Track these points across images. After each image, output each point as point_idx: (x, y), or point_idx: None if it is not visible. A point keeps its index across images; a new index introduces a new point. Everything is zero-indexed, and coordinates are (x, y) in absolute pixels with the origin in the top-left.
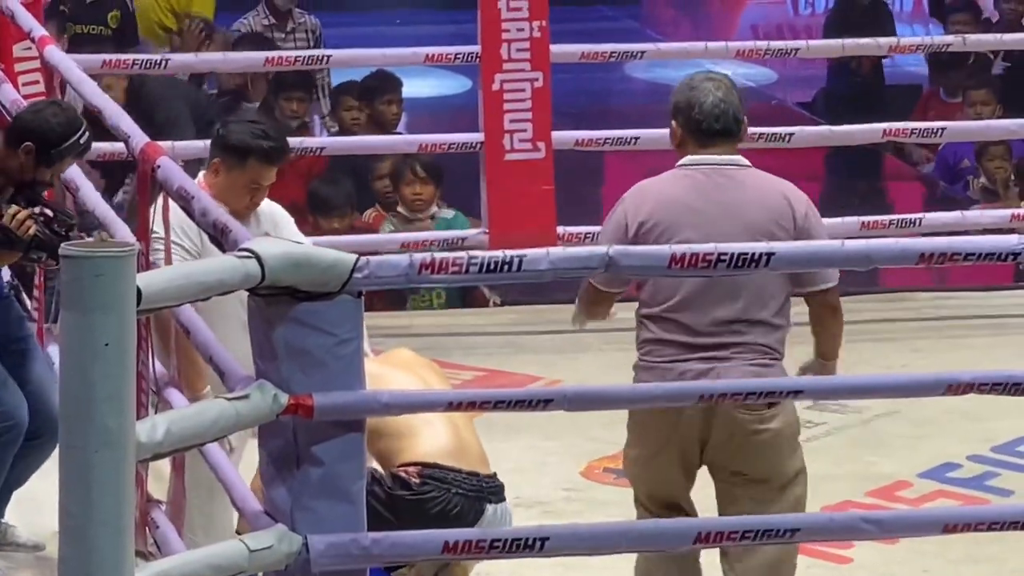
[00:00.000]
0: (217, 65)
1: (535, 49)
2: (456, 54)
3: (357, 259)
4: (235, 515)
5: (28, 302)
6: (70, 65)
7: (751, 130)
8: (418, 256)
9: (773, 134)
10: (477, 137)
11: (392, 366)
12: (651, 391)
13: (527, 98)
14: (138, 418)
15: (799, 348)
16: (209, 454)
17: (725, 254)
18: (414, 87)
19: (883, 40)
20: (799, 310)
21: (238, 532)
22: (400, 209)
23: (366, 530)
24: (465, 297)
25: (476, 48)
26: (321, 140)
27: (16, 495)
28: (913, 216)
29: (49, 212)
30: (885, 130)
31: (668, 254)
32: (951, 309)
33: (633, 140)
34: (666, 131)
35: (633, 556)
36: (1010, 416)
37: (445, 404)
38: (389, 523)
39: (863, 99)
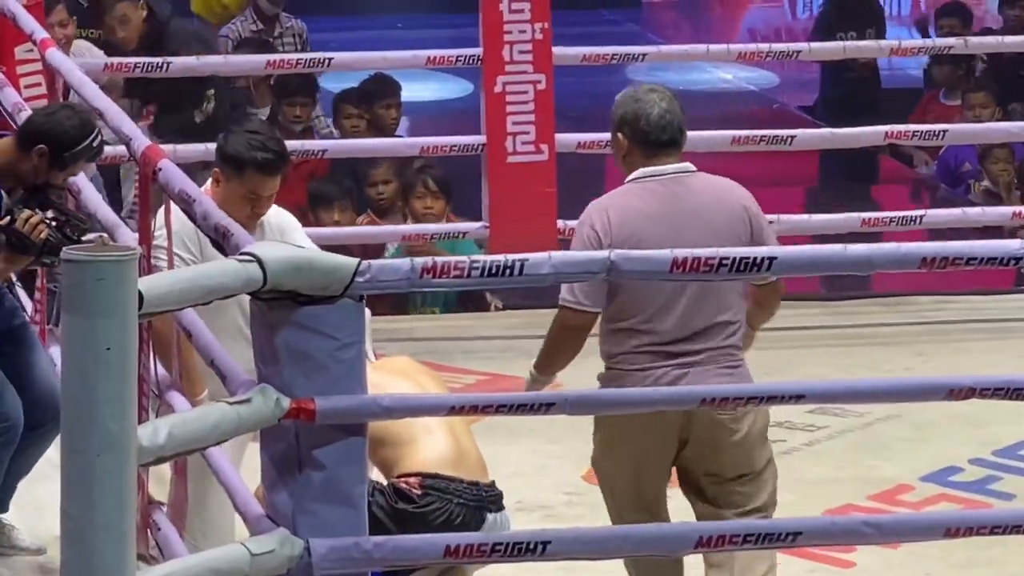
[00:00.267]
0: (219, 68)
1: (537, 51)
2: (458, 56)
3: (359, 263)
4: (237, 519)
5: (22, 295)
6: (72, 67)
7: (753, 132)
8: (420, 260)
9: (775, 137)
10: (479, 139)
11: (389, 373)
12: (652, 395)
13: (530, 100)
14: (139, 422)
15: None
16: (211, 458)
17: (727, 258)
18: (415, 91)
19: (884, 42)
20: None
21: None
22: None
23: (368, 534)
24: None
25: (478, 51)
26: (323, 143)
27: (17, 499)
28: (914, 213)
29: (61, 216)
30: (887, 132)
31: (670, 258)
32: (953, 313)
33: None
34: None
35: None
36: (1012, 420)
37: (447, 408)
38: (393, 535)
39: (861, 101)
